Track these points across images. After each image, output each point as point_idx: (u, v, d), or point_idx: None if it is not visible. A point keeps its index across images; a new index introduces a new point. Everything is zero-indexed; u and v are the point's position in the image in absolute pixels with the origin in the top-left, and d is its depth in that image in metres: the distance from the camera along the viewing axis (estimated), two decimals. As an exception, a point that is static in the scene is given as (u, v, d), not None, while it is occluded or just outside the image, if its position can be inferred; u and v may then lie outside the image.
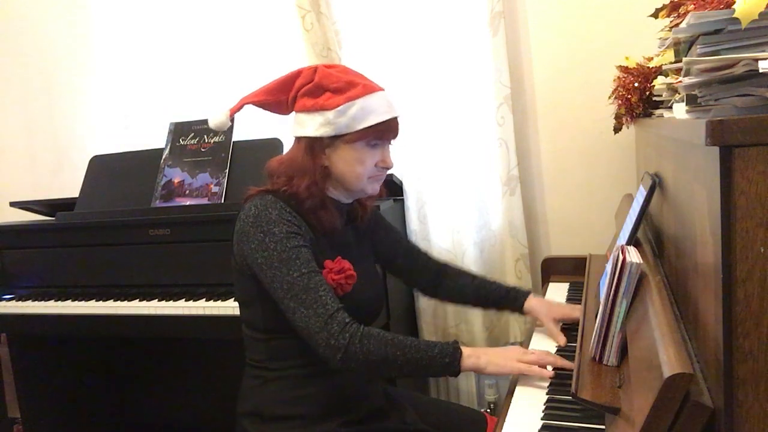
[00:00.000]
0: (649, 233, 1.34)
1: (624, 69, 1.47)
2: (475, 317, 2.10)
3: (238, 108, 1.29)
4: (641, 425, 0.70)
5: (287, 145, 1.95)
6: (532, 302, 1.44)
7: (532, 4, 2.03)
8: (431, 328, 2.14)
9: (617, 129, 1.65)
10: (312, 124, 1.21)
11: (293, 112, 1.27)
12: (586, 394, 0.95)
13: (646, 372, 0.78)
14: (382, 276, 1.63)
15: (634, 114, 1.45)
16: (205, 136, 2.08)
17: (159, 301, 1.86)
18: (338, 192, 1.28)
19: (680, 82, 0.80)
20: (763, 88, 0.65)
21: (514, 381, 1.23)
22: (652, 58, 1.40)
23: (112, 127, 2.57)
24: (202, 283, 1.90)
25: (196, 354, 2.38)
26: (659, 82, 1.18)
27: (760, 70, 0.64)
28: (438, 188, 2.12)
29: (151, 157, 2.14)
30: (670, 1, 1.03)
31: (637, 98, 1.41)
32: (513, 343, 2.09)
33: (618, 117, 1.58)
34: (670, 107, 1.03)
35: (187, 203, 2.00)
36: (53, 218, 2.15)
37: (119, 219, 1.99)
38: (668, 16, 1.04)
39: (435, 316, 2.15)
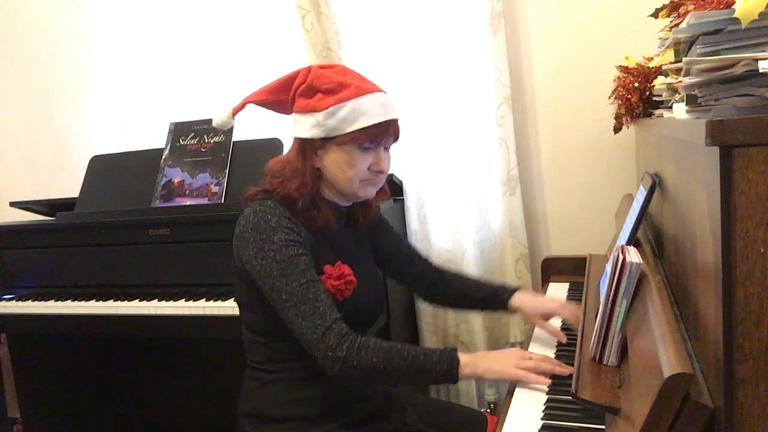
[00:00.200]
0: (649, 233, 1.34)
1: (624, 69, 1.47)
2: (475, 318, 2.10)
3: (241, 107, 1.28)
4: (641, 425, 0.70)
5: (287, 146, 1.96)
6: (518, 300, 1.42)
7: (532, 4, 2.03)
8: (431, 329, 2.14)
9: (617, 129, 1.65)
10: (304, 125, 1.20)
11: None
12: (586, 394, 0.95)
13: (646, 372, 0.78)
14: (383, 277, 1.63)
15: (634, 114, 1.45)
16: (205, 136, 2.08)
17: (159, 301, 1.86)
18: (334, 194, 1.27)
19: (680, 82, 0.80)
20: (763, 88, 0.65)
21: (514, 381, 1.23)
22: (652, 58, 1.40)
23: (112, 127, 2.57)
24: (202, 283, 1.90)
25: (196, 354, 2.38)
26: (659, 82, 1.18)
27: (760, 70, 0.64)
28: (438, 188, 2.12)
29: (151, 157, 2.14)
30: (670, 1, 1.03)
31: (637, 98, 1.41)
32: (513, 344, 2.09)
33: (618, 117, 1.58)
34: (670, 107, 1.03)
35: (187, 203, 2.00)
36: (53, 218, 2.15)
37: (119, 219, 1.99)
38: (668, 16, 1.04)
39: (435, 317, 2.15)
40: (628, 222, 1.22)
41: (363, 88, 1.20)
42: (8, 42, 2.66)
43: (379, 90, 1.22)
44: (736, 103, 0.67)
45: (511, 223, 2.05)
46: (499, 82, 1.99)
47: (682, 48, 0.87)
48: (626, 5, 1.89)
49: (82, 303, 1.94)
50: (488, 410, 2.15)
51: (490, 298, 1.45)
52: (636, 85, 1.41)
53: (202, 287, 1.89)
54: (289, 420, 1.22)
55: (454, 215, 2.12)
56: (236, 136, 2.05)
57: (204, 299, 1.81)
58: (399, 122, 1.24)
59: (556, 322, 1.44)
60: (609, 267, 1.02)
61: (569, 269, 1.85)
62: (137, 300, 1.89)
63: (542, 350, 1.33)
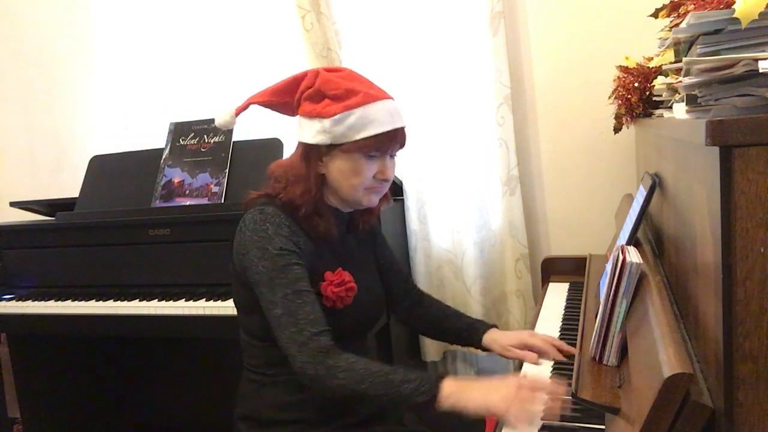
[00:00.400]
0: (649, 233, 1.34)
1: (624, 69, 1.47)
2: (475, 317, 2.10)
3: (244, 107, 1.26)
4: (641, 425, 0.70)
5: (287, 146, 1.96)
6: (491, 336, 1.38)
7: (532, 4, 2.03)
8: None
9: (617, 129, 1.65)
10: (310, 131, 1.18)
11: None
12: (586, 394, 0.95)
13: (646, 372, 0.78)
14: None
15: (634, 114, 1.45)
16: (205, 136, 2.08)
17: (159, 301, 1.86)
18: (336, 200, 1.25)
19: (680, 82, 0.80)
20: (763, 88, 0.65)
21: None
22: (652, 58, 1.40)
23: (112, 127, 2.57)
24: (202, 283, 1.90)
25: (196, 354, 2.37)
26: (659, 82, 1.18)
27: (760, 70, 0.64)
28: (438, 188, 2.12)
29: (151, 157, 2.14)
30: (670, 1, 1.03)
31: (637, 98, 1.41)
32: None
33: (618, 117, 1.58)
34: (670, 107, 1.03)
35: (187, 203, 2.00)
36: (53, 218, 2.15)
37: (119, 219, 1.99)
38: (668, 16, 1.04)
39: (435, 316, 2.15)
40: (628, 222, 1.21)
41: (371, 95, 1.17)
42: (8, 42, 2.66)
43: (387, 96, 1.20)
44: (736, 103, 0.67)
45: (511, 223, 2.05)
46: (499, 82, 1.99)
47: (682, 48, 0.87)
48: (626, 5, 1.89)
49: (82, 303, 1.94)
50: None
51: (464, 331, 1.41)
52: (636, 85, 1.41)
53: (202, 287, 1.89)
54: (286, 423, 1.21)
55: (454, 215, 2.12)
56: (236, 136, 2.05)
57: (204, 299, 1.81)
58: (406, 129, 1.22)
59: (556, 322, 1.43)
60: (609, 267, 1.02)
61: (569, 269, 1.85)
62: (137, 300, 1.89)
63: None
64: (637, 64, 1.47)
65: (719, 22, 0.69)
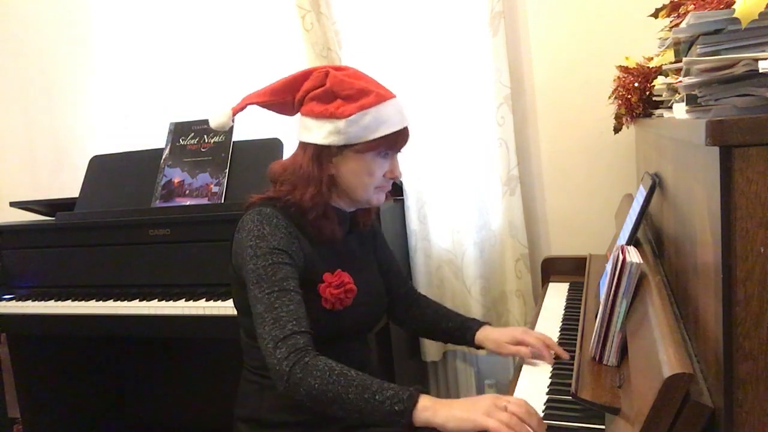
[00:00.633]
0: (649, 233, 1.34)
1: (624, 69, 1.47)
2: (475, 317, 2.10)
3: (241, 108, 1.25)
4: (641, 425, 0.70)
5: (287, 146, 1.96)
6: (482, 334, 1.36)
7: (532, 4, 2.03)
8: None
9: (617, 129, 1.65)
10: (320, 131, 1.17)
11: (299, 115, 1.24)
12: (586, 394, 0.95)
13: (646, 372, 0.78)
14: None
15: (634, 114, 1.45)
16: (205, 136, 2.08)
17: (159, 301, 1.86)
18: (342, 201, 1.25)
19: (680, 82, 0.80)
20: (763, 88, 0.65)
21: (513, 382, 1.23)
22: (652, 58, 1.40)
23: (112, 127, 2.57)
24: (202, 283, 1.90)
25: (196, 354, 2.38)
26: (659, 82, 1.18)
27: (760, 70, 0.64)
28: (438, 188, 2.12)
29: (151, 157, 2.14)
30: (670, 1, 1.03)
31: (637, 98, 1.41)
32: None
33: (618, 117, 1.58)
34: (670, 107, 1.03)
35: (187, 203, 2.00)
36: (53, 218, 2.15)
37: (119, 219, 1.99)
38: (668, 16, 1.04)
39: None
40: (628, 222, 1.21)
41: (382, 95, 1.18)
42: (8, 42, 2.66)
43: (393, 95, 1.21)
44: (736, 103, 0.67)
45: (511, 223, 2.05)
46: (499, 82, 1.99)
47: (682, 48, 0.87)
48: (626, 5, 1.89)
49: (82, 303, 1.94)
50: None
51: (456, 331, 1.40)
52: (636, 85, 1.41)
53: (202, 287, 1.89)
54: (286, 426, 1.21)
55: (454, 215, 2.12)
56: (236, 136, 2.05)
57: (204, 299, 1.81)
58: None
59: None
60: (609, 267, 1.02)
61: (569, 269, 1.85)
62: (137, 300, 1.89)
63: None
64: (637, 64, 1.47)
65: (719, 22, 0.69)
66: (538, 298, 1.77)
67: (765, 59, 0.64)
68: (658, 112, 1.29)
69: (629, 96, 1.43)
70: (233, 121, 1.27)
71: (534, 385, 1.18)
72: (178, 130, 2.14)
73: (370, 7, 2.10)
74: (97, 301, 1.93)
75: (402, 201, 2.13)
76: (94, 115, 2.60)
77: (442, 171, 2.11)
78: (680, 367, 0.68)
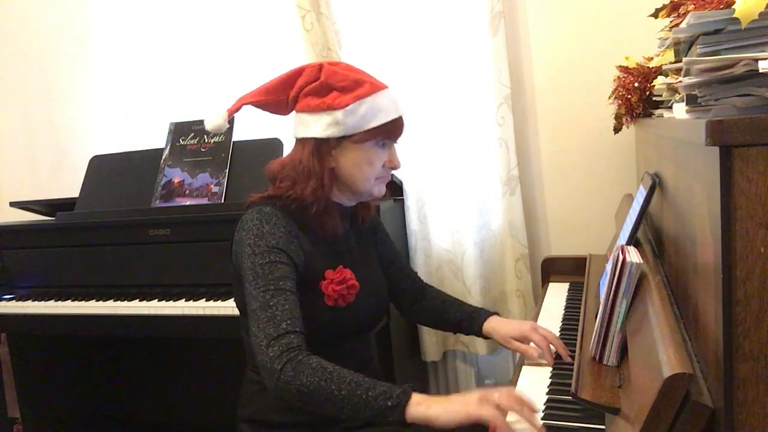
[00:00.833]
0: (649, 233, 1.34)
1: (624, 69, 1.47)
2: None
3: (236, 109, 1.26)
4: (641, 425, 0.70)
5: (287, 145, 1.96)
6: (490, 325, 1.36)
7: (532, 4, 2.03)
8: (431, 329, 2.14)
9: (617, 129, 1.65)
10: (318, 125, 1.18)
11: (294, 113, 1.24)
12: (586, 394, 0.95)
13: (646, 372, 0.78)
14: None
15: (634, 114, 1.45)
16: (205, 136, 2.08)
17: (159, 301, 1.86)
18: (343, 195, 1.26)
19: (680, 82, 0.80)
20: (763, 88, 0.65)
21: (513, 381, 1.23)
22: (652, 58, 1.40)
23: (112, 127, 2.57)
24: (202, 283, 1.90)
25: (196, 354, 2.38)
26: (659, 82, 1.18)
27: (760, 70, 0.64)
28: (438, 188, 2.12)
29: (151, 157, 2.14)
30: (670, 1, 1.03)
31: (637, 98, 1.41)
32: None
33: (618, 117, 1.58)
34: (670, 107, 1.03)
35: (187, 203, 2.00)
36: (53, 218, 2.15)
37: (119, 219, 1.99)
38: (668, 16, 1.04)
39: (435, 316, 2.15)
40: (628, 222, 1.21)
41: (376, 84, 1.20)
42: (8, 42, 2.66)
43: (386, 86, 1.22)
44: (736, 103, 0.67)
45: (511, 223, 2.05)
46: (499, 82, 1.99)
47: (682, 48, 0.87)
48: (626, 5, 1.89)
49: (82, 303, 1.94)
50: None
51: (464, 321, 1.40)
52: (636, 85, 1.41)
53: (202, 287, 1.89)
54: (288, 426, 1.21)
55: (454, 215, 2.12)
56: (236, 136, 2.05)
57: (204, 299, 1.81)
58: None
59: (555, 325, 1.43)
60: (609, 267, 1.02)
61: (569, 269, 1.85)
62: (137, 300, 1.89)
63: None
64: (637, 64, 1.47)
65: (719, 22, 0.69)
66: (538, 298, 1.77)
67: (765, 59, 0.64)
68: (658, 112, 1.29)
69: (629, 96, 1.43)
70: (229, 122, 1.27)
71: (534, 385, 1.18)
72: (178, 130, 2.14)
73: (370, 7, 2.10)
74: (97, 301, 1.93)
75: (402, 201, 2.13)
76: (94, 115, 2.60)
77: (442, 171, 2.11)
78: (680, 367, 0.68)
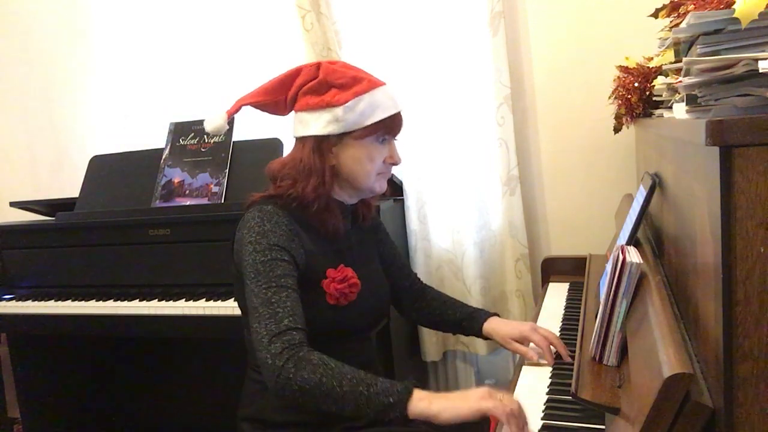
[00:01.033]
0: (649, 233, 1.34)
1: (624, 69, 1.47)
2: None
3: (235, 110, 1.26)
4: (641, 425, 0.70)
5: (287, 145, 1.96)
6: (490, 326, 1.36)
7: (532, 4, 2.03)
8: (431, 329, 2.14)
9: (617, 129, 1.64)
10: (318, 123, 1.18)
11: (293, 112, 1.25)
12: (586, 394, 0.95)
13: (646, 372, 0.78)
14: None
15: (634, 114, 1.45)
16: (205, 136, 2.08)
17: (159, 301, 1.86)
18: (344, 193, 1.26)
19: (680, 82, 0.80)
20: (763, 88, 0.65)
21: (513, 381, 1.23)
22: (652, 58, 1.40)
23: (112, 127, 2.58)
24: (202, 283, 1.90)
25: (196, 354, 2.38)
26: (659, 82, 1.18)
27: (760, 70, 0.64)
28: (438, 188, 2.12)
29: (151, 157, 2.14)
30: (670, 1, 1.03)
31: (637, 98, 1.41)
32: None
33: (618, 117, 1.58)
34: (670, 107, 1.03)
35: (187, 203, 2.00)
36: (53, 218, 2.15)
37: (119, 219, 1.99)
38: (668, 16, 1.04)
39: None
40: (628, 222, 1.21)
41: (374, 81, 1.21)
42: (8, 42, 2.66)
43: (383, 82, 1.23)
44: (736, 103, 0.67)
45: (511, 223, 2.05)
46: (499, 82, 1.99)
47: (682, 48, 0.87)
48: (626, 5, 1.89)
49: (82, 303, 1.94)
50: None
51: (463, 321, 1.40)
52: (636, 85, 1.41)
53: (202, 287, 1.89)
54: (289, 425, 1.21)
55: (454, 215, 2.12)
56: (236, 136, 2.05)
57: (204, 299, 1.81)
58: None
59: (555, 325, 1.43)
60: (609, 267, 1.02)
61: (569, 269, 1.85)
62: (137, 300, 1.89)
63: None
64: (637, 64, 1.47)
65: (719, 22, 0.69)
66: (538, 298, 1.77)
67: (765, 59, 0.64)
68: (658, 112, 1.29)
69: (629, 96, 1.43)
70: (229, 123, 1.28)
71: (534, 385, 1.18)
72: (178, 130, 2.14)
73: (370, 7, 2.10)
74: (97, 301, 1.93)
75: (402, 201, 2.13)
76: (94, 115, 2.60)
77: (442, 171, 2.11)
78: (680, 367, 0.68)
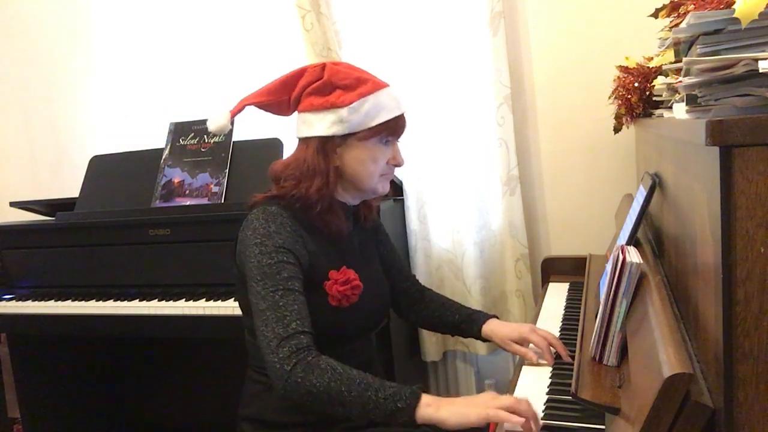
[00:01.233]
0: (649, 233, 1.34)
1: (624, 69, 1.47)
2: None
3: (239, 110, 1.26)
4: (641, 425, 0.70)
5: (287, 145, 1.96)
6: (489, 327, 1.36)
7: (532, 4, 2.03)
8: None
9: (617, 129, 1.65)
10: (322, 123, 1.18)
11: (296, 113, 1.25)
12: (586, 394, 0.95)
13: (646, 372, 0.78)
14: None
15: (634, 114, 1.45)
16: (205, 136, 2.08)
17: (159, 301, 1.86)
18: (347, 194, 1.26)
19: (680, 82, 0.80)
20: (763, 88, 0.65)
21: (513, 381, 1.23)
22: (652, 58, 1.40)
23: (112, 127, 2.58)
24: (202, 283, 1.90)
25: (196, 354, 2.38)
26: (659, 82, 1.18)
27: (760, 70, 0.64)
28: (438, 188, 2.12)
29: (151, 157, 2.14)
30: (670, 1, 1.03)
31: (637, 98, 1.41)
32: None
33: (618, 117, 1.58)
34: (670, 107, 1.03)
35: (187, 203, 2.00)
36: (53, 218, 2.15)
37: (119, 219, 1.99)
38: (668, 16, 1.04)
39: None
40: (628, 222, 1.21)
41: (378, 82, 1.21)
42: (9, 42, 2.66)
43: (387, 84, 1.24)
44: (736, 103, 0.67)
45: (511, 223, 2.05)
46: (499, 82, 1.99)
47: (682, 48, 0.87)
48: (626, 5, 1.89)
49: (82, 303, 1.94)
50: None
51: (462, 323, 1.40)
52: (636, 85, 1.41)
53: (202, 287, 1.89)
54: (290, 426, 1.21)
55: (454, 215, 2.12)
56: (236, 136, 2.05)
57: (204, 299, 1.81)
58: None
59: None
60: (609, 267, 1.02)
61: (569, 269, 1.85)
62: (137, 300, 1.89)
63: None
64: (637, 64, 1.47)
65: (719, 22, 0.69)
66: (538, 298, 1.77)
67: (765, 59, 0.64)
68: (658, 112, 1.29)
69: (629, 96, 1.43)
70: (232, 123, 1.27)
71: (534, 385, 1.18)
72: (178, 130, 2.14)
73: (370, 7, 2.10)
74: (97, 301, 1.93)
75: (402, 201, 2.13)
76: (94, 115, 2.60)
77: (442, 171, 2.11)
78: (680, 367, 0.68)
